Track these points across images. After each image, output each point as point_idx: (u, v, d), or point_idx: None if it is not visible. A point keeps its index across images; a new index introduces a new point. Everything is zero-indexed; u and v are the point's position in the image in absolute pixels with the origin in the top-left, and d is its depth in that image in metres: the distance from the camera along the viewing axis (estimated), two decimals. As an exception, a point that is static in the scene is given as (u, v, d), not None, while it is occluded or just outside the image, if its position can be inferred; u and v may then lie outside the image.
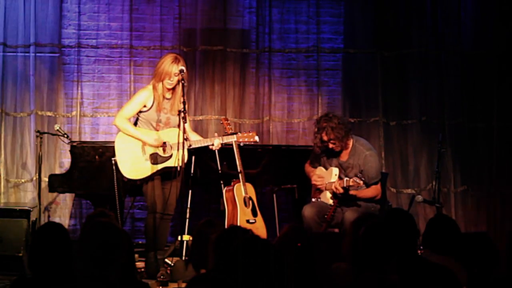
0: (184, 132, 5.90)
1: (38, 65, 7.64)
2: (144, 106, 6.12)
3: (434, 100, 7.98)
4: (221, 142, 6.19)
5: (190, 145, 6.04)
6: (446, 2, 7.97)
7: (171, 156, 6.07)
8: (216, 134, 6.30)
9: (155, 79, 6.11)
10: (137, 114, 6.17)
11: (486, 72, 7.99)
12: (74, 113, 7.70)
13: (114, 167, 6.15)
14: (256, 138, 6.34)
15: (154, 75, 6.15)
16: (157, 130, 6.12)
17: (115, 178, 6.20)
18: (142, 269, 6.26)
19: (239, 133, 6.35)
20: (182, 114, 5.84)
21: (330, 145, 6.23)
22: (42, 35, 7.64)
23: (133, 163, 6.10)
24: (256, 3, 7.87)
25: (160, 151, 6.10)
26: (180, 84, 6.01)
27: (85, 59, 7.76)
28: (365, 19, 7.98)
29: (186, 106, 5.98)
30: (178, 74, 6.01)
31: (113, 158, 6.18)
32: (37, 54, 7.63)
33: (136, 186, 6.24)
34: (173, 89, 6.11)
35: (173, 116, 6.12)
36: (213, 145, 6.16)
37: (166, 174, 6.10)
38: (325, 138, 6.22)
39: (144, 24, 7.80)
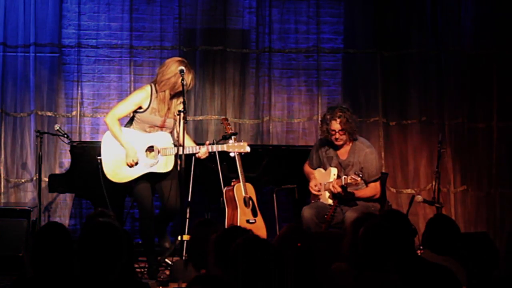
0: (178, 135, 5.85)
1: (38, 65, 7.64)
2: (140, 108, 6.06)
3: (434, 100, 7.98)
4: (209, 150, 6.07)
5: (178, 152, 5.95)
6: (446, 2, 7.96)
7: (157, 162, 6.02)
8: (207, 142, 6.20)
9: (163, 86, 5.98)
10: (134, 113, 6.13)
11: (486, 72, 7.99)
12: (74, 113, 7.70)
13: (99, 166, 6.09)
14: (247, 149, 6.20)
15: (161, 80, 6.00)
16: (151, 133, 6.07)
17: (101, 177, 6.10)
18: (142, 269, 6.26)
19: (230, 142, 6.21)
20: (182, 114, 5.78)
21: (337, 135, 6.20)
22: (42, 35, 7.64)
23: (117, 165, 6.04)
24: (256, 3, 7.87)
25: (146, 156, 6.05)
26: (180, 84, 5.95)
27: (85, 59, 7.75)
28: (365, 19, 7.98)
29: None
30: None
31: (98, 157, 6.11)
32: (37, 54, 7.63)
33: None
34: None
35: (169, 119, 6.07)
36: (199, 153, 6.03)
37: (160, 178, 6.06)
38: (336, 127, 6.17)
39: (144, 24, 7.80)
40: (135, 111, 6.08)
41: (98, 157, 6.10)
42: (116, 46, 7.76)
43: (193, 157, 6.39)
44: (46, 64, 7.70)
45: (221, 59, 7.82)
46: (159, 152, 6.00)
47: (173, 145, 6.03)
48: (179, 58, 6.20)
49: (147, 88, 6.08)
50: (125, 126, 6.15)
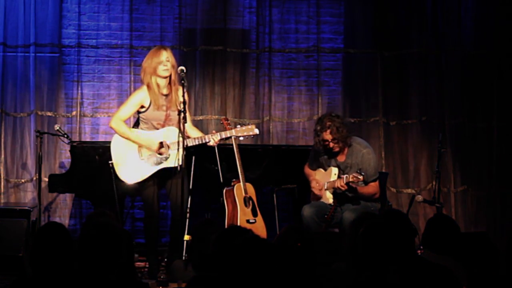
0: (184, 131, 5.85)
1: (38, 65, 7.64)
2: (142, 107, 6.08)
3: (434, 100, 7.98)
4: (219, 138, 6.10)
5: (187, 144, 5.99)
6: (446, 2, 7.96)
7: (169, 157, 6.03)
8: (214, 131, 6.22)
9: (147, 76, 6.05)
10: (137, 114, 6.15)
11: (486, 72, 7.99)
12: (74, 113, 7.70)
13: (112, 171, 6.09)
14: (256, 131, 6.21)
15: (144, 73, 6.09)
16: (158, 129, 6.08)
17: (114, 182, 6.12)
18: (142, 269, 6.26)
19: (238, 127, 6.23)
20: (182, 115, 5.79)
21: (331, 145, 6.20)
22: (42, 35, 7.64)
23: (130, 166, 6.05)
24: (256, 3, 7.87)
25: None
26: (176, 80, 5.99)
27: (85, 59, 7.75)
28: (365, 19, 7.98)
29: (186, 105, 5.93)
30: (168, 62, 5.98)
31: (110, 162, 6.12)
32: (37, 54, 7.63)
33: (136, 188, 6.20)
34: (170, 84, 6.07)
35: (174, 112, 6.06)
36: (209, 142, 6.04)
37: (166, 176, 6.07)
38: (327, 137, 6.16)
39: (144, 24, 7.80)
40: (138, 112, 6.10)
41: (110, 162, 6.10)
42: (116, 46, 7.76)
43: (193, 157, 6.39)
44: (46, 64, 7.70)
45: (221, 59, 7.82)
46: (169, 147, 6.00)
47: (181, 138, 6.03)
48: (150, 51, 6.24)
49: (144, 87, 6.11)
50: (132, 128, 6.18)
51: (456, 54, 7.98)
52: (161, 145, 6.04)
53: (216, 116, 7.76)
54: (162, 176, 6.08)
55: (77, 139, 7.52)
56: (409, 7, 7.97)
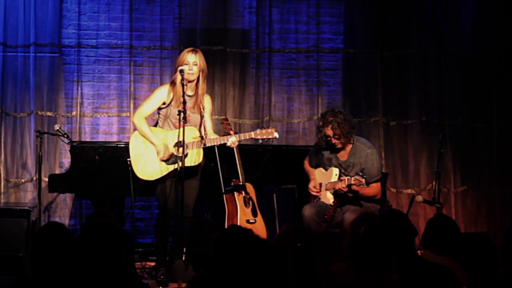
0: (184, 131, 5.85)
1: (38, 65, 7.64)
2: (164, 103, 6.09)
3: (434, 100, 7.99)
4: (238, 139, 6.09)
5: (205, 144, 5.99)
6: (446, 2, 7.97)
7: (186, 155, 6.02)
8: (232, 132, 6.25)
9: (175, 73, 6.07)
10: (158, 111, 6.15)
11: (486, 72, 7.99)
12: (74, 113, 7.70)
13: (129, 168, 6.10)
14: (276, 135, 6.18)
15: (174, 69, 6.13)
16: (176, 128, 6.06)
17: (131, 179, 6.13)
18: (142, 269, 6.26)
19: (257, 130, 6.21)
20: (182, 115, 5.79)
21: (333, 141, 6.19)
22: (42, 35, 7.64)
23: (147, 164, 6.05)
24: (256, 3, 7.87)
25: (174, 151, 6.05)
26: (204, 83, 6.03)
27: (85, 59, 7.75)
28: (365, 19, 7.98)
29: (208, 106, 6.08)
30: (195, 65, 5.98)
31: (128, 159, 6.13)
32: (37, 54, 7.63)
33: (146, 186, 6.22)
34: (196, 85, 6.07)
35: (194, 114, 6.05)
36: (227, 142, 6.05)
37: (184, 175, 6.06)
38: (329, 133, 6.16)
39: (144, 24, 7.80)
40: (160, 108, 6.11)
41: (128, 159, 6.11)
42: (116, 46, 7.76)
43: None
44: (46, 64, 7.70)
45: (221, 59, 7.82)
46: (187, 146, 5.98)
47: (200, 139, 6.03)
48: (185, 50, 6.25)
49: (168, 84, 6.15)
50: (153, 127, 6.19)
51: (456, 54, 7.98)
52: (178, 145, 6.02)
53: (216, 116, 7.75)
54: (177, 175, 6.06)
55: (77, 139, 7.52)
56: (409, 7, 7.97)
